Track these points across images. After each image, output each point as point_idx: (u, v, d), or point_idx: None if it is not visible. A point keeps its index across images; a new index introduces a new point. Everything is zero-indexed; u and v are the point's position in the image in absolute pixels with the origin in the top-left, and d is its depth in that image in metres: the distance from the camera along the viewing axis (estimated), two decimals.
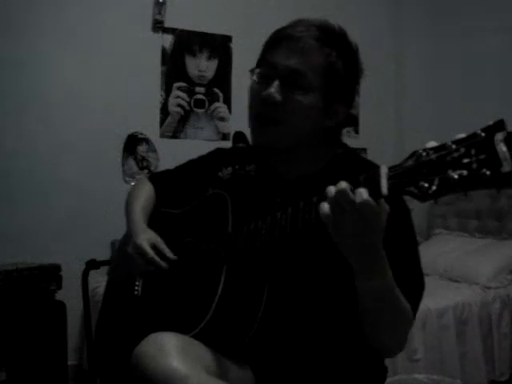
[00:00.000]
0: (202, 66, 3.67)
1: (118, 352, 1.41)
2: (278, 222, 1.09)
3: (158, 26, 3.53)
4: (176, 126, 3.61)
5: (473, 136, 0.79)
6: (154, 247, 1.34)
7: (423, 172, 0.83)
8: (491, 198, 3.68)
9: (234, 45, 3.75)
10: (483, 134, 0.77)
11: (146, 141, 3.52)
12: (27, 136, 3.16)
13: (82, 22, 3.31)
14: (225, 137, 3.75)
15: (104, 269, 1.85)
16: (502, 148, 0.75)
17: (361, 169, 0.99)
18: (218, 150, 1.55)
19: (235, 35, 3.74)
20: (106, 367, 1.50)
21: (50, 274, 2.83)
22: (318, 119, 1.25)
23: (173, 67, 3.60)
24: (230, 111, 3.75)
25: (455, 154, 0.79)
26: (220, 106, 3.74)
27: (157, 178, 1.62)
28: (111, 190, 3.16)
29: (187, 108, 3.64)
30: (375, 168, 0.91)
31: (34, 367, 2.69)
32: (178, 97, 3.61)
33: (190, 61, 3.65)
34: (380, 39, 4.20)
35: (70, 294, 2.76)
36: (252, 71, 1.29)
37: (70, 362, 2.98)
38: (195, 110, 3.67)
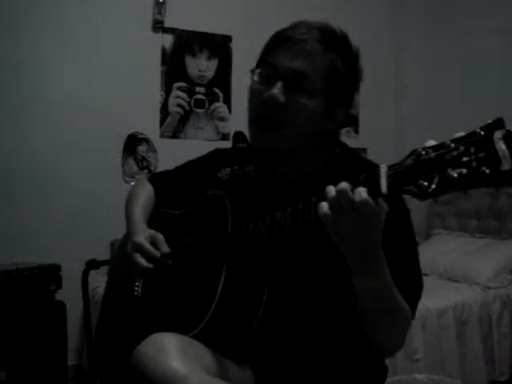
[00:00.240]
0: (201, 65, 3.67)
1: (117, 352, 1.40)
2: (277, 222, 1.09)
3: (158, 26, 3.53)
4: (176, 125, 3.61)
5: (472, 134, 0.79)
6: (153, 243, 1.34)
7: (423, 171, 0.83)
8: (491, 198, 3.67)
9: (234, 45, 3.75)
10: (482, 133, 0.77)
11: (146, 141, 3.52)
12: (27, 136, 3.16)
13: (82, 21, 3.31)
14: (225, 137, 3.75)
15: (104, 269, 1.85)
16: (501, 146, 0.75)
17: (360, 168, 0.99)
18: (217, 151, 1.54)
19: (235, 35, 3.74)
20: (105, 367, 1.50)
21: (50, 274, 2.83)
22: (320, 122, 1.25)
23: (173, 67, 3.60)
24: (230, 111, 3.75)
25: (454, 153, 0.79)
26: (220, 106, 3.74)
27: (156, 179, 1.62)
28: (111, 189, 3.16)
29: (187, 108, 3.64)
30: (375, 167, 0.91)
31: (34, 367, 2.69)
32: (177, 97, 3.61)
33: (190, 61, 3.65)
34: (380, 39, 4.20)
35: (70, 294, 2.77)
36: (253, 71, 1.28)
37: (69, 362, 2.98)
38: (195, 109, 3.67)
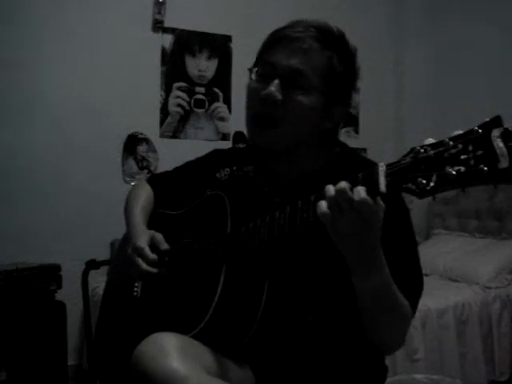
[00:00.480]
0: (201, 65, 3.67)
1: (117, 352, 1.41)
2: (276, 222, 1.09)
3: (158, 26, 3.53)
4: (176, 125, 3.61)
5: (470, 132, 0.79)
6: (153, 243, 1.34)
7: (421, 168, 0.83)
8: (491, 198, 3.67)
9: (233, 45, 3.75)
10: (480, 131, 0.78)
11: (146, 141, 3.52)
12: (27, 136, 3.16)
13: (82, 21, 3.31)
14: (225, 137, 3.75)
15: (104, 269, 1.84)
16: (499, 144, 0.75)
17: (359, 167, 1.00)
18: (216, 151, 1.54)
19: (235, 35, 3.74)
20: (105, 367, 1.50)
21: (50, 274, 2.84)
22: (317, 121, 1.25)
23: (173, 67, 3.60)
24: (229, 111, 3.75)
25: (453, 151, 0.80)
26: (220, 105, 3.74)
27: (155, 180, 1.62)
28: (111, 189, 3.16)
29: (187, 108, 3.64)
30: (373, 166, 0.92)
31: (34, 367, 2.69)
32: (177, 97, 3.61)
33: (190, 61, 3.65)
34: (380, 39, 4.20)
35: (70, 294, 2.77)
36: (250, 70, 1.28)
37: (69, 362, 2.98)
38: (195, 109, 3.67)
